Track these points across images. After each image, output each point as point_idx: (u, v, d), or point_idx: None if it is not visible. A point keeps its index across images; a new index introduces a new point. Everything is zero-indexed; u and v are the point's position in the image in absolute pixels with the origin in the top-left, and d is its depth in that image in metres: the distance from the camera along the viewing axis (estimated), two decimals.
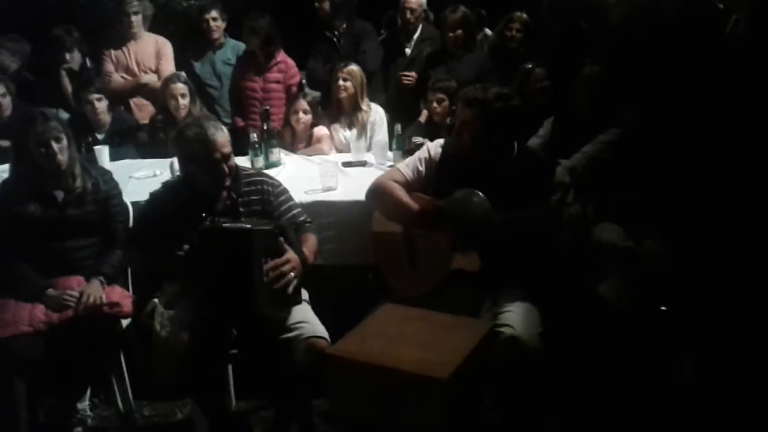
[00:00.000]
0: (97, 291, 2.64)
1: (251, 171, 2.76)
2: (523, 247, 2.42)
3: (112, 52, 4.59)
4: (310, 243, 2.58)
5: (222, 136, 2.49)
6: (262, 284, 2.34)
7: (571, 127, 3.36)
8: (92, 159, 3.48)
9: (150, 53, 4.59)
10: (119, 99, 4.38)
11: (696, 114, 3.05)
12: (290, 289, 2.38)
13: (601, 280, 2.90)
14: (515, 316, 2.32)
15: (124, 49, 4.58)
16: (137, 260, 2.71)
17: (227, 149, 2.51)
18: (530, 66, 3.79)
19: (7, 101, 4.00)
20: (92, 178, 2.79)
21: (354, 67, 3.95)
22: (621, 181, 3.02)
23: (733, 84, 3.08)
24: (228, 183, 2.54)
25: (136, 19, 4.55)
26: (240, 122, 4.50)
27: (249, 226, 2.37)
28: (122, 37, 4.60)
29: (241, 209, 2.57)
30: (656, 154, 3.01)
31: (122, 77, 4.57)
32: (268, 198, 2.63)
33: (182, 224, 2.44)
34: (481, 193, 2.44)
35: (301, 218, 2.68)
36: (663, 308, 2.80)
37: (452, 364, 1.87)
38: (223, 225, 2.39)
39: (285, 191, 2.70)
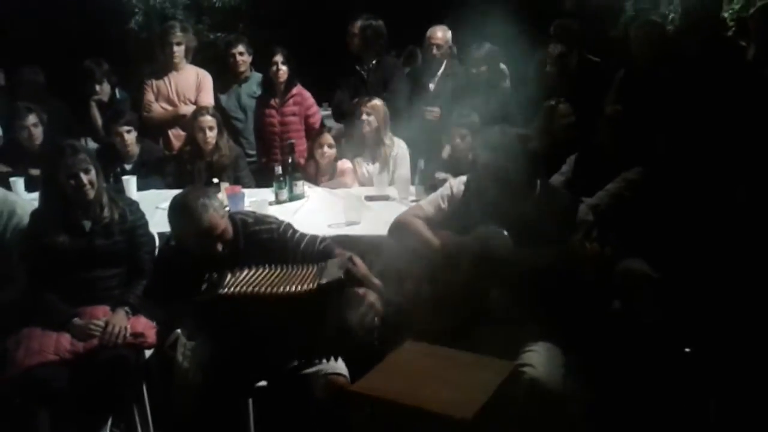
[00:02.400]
0: (122, 321, 2.67)
1: (249, 221, 2.57)
2: (545, 284, 2.41)
3: (154, 82, 4.65)
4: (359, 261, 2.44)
5: (213, 217, 2.34)
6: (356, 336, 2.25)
7: (594, 164, 3.37)
8: (120, 189, 3.55)
9: (191, 85, 4.65)
10: (158, 129, 4.45)
11: (720, 151, 3.06)
12: (375, 334, 2.29)
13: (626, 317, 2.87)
14: (538, 356, 2.31)
15: (166, 79, 4.64)
16: (156, 312, 2.72)
17: (219, 229, 2.37)
18: (554, 102, 3.79)
19: (38, 131, 4.10)
20: (119, 209, 2.84)
21: (377, 102, 4.00)
22: (645, 219, 3.02)
23: (757, 118, 3.10)
24: (226, 250, 2.44)
25: (179, 50, 4.61)
26: (264, 158, 4.58)
27: (313, 286, 2.17)
28: (164, 67, 4.67)
29: (243, 260, 2.43)
30: (681, 192, 3.00)
31: (162, 107, 4.62)
32: (274, 246, 2.52)
33: (190, 280, 2.37)
34: (503, 230, 2.45)
35: (316, 244, 2.55)
36: (687, 350, 2.77)
37: (476, 404, 1.85)
38: (219, 292, 2.20)
39: (288, 228, 2.58)
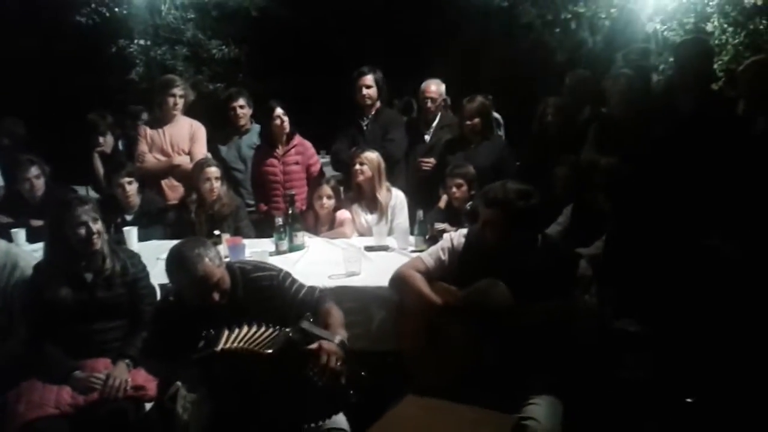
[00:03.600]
0: (123, 374, 2.68)
1: (248, 267, 2.60)
2: (545, 338, 2.43)
3: (148, 132, 4.68)
4: (335, 315, 2.48)
5: (208, 267, 2.37)
6: (315, 394, 2.26)
7: (589, 215, 3.42)
8: (121, 240, 3.57)
9: (184, 136, 4.69)
10: (151, 179, 4.49)
11: (704, 202, 3.11)
12: (342, 380, 2.28)
13: (625, 370, 2.88)
14: (540, 410, 2.32)
15: (160, 130, 4.68)
16: (155, 369, 2.72)
17: (215, 278, 2.39)
18: (554, 164, 3.84)
19: (40, 182, 4.15)
20: (121, 260, 2.87)
21: (370, 154, 4.06)
22: (639, 270, 3.05)
23: (745, 169, 3.16)
24: (224, 300, 2.46)
25: (180, 102, 4.66)
26: (263, 207, 4.60)
27: (270, 351, 2.22)
28: (159, 118, 4.72)
29: (242, 311, 2.44)
30: (663, 245, 3.04)
31: (156, 158, 4.65)
32: (272, 294, 2.54)
33: (188, 336, 2.38)
34: (503, 284, 2.47)
35: (311, 295, 2.58)
36: (688, 400, 2.78)
37: None
38: (216, 350, 2.23)
39: (286, 277, 2.60)
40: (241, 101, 4.81)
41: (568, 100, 4.42)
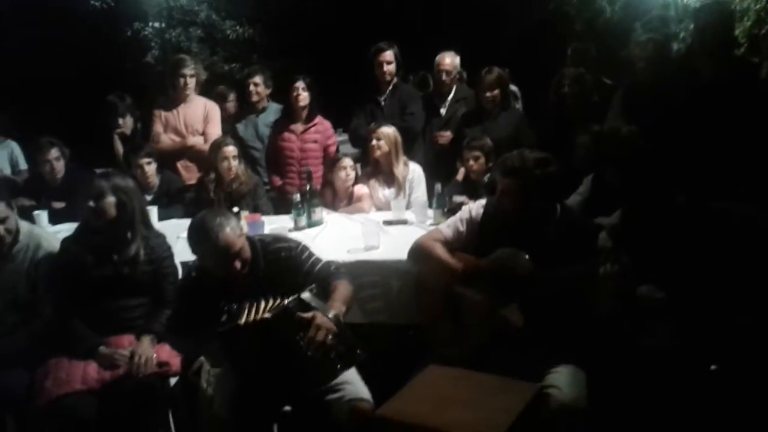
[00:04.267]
0: (148, 351, 2.71)
1: (268, 239, 2.65)
2: (566, 307, 2.42)
3: (162, 113, 4.71)
4: (339, 291, 2.49)
5: (229, 236, 2.40)
6: (305, 358, 2.30)
7: (610, 185, 3.38)
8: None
9: (198, 116, 4.70)
10: (166, 160, 4.50)
11: (729, 169, 3.06)
12: (332, 354, 2.33)
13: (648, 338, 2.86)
14: (562, 378, 2.32)
15: (174, 111, 4.70)
16: (179, 345, 2.76)
17: (236, 247, 2.43)
18: (575, 132, 3.81)
19: (60, 165, 4.19)
20: (146, 239, 2.89)
21: (387, 129, 4.05)
22: (659, 240, 3.01)
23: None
24: (246, 269, 2.50)
25: (191, 82, 4.67)
26: (277, 181, 4.61)
27: (268, 315, 2.28)
28: (173, 99, 4.73)
29: (265, 284, 2.50)
30: (696, 212, 3.01)
31: (171, 138, 4.68)
32: (289, 264, 2.57)
33: (211, 311, 2.44)
34: (522, 252, 2.46)
35: (327, 270, 2.59)
36: (713, 367, 2.75)
37: (502, 427, 1.87)
38: (239, 323, 2.30)
39: (304, 249, 2.62)
40: (257, 79, 4.79)
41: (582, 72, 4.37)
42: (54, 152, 4.17)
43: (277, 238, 2.67)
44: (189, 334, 2.57)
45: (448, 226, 2.74)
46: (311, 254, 2.64)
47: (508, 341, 2.47)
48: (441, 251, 2.64)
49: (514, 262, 2.45)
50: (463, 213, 2.75)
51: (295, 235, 3.45)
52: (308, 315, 2.30)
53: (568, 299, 2.40)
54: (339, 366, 2.37)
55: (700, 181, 3.11)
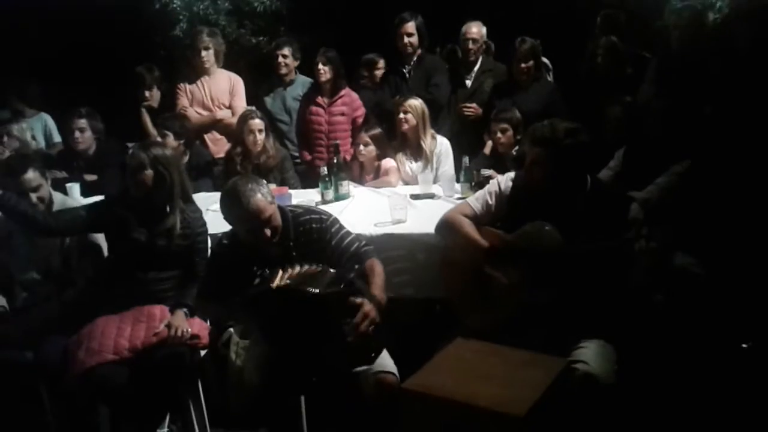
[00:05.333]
0: (183, 324, 2.74)
1: (299, 210, 2.66)
2: (595, 282, 2.39)
3: (187, 86, 4.73)
4: (378, 274, 2.50)
5: (261, 202, 2.42)
6: (342, 345, 2.30)
7: (643, 158, 3.32)
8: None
9: (224, 89, 4.73)
10: (194, 133, 4.52)
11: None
12: (372, 346, 2.35)
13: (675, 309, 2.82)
14: (590, 353, 2.30)
15: (199, 84, 4.73)
16: (208, 312, 2.80)
17: (267, 213, 2.44)
18: (607, 103, 3.74)
19: (86, 136, 4.20)
20: (183, 213, 2.91)
21: (414, 101, 4.02)
22: (695, 213, 2.96)
23: None
24: (276, 237, 2.51)
25: (207, 54, 4.67)
26: (307, 156, 4.62)
27: (317, 290, 2.25)
28: (196, 72, 4.75)
29: (293, 253, 2.53)
30: (730, 185, 2.94)
31: (198, 112, 4.70)
32: (320, 236, 2.58)
33: (242, 277, 2.47)
34: (551, 226, 2.43)
35: (358, 245, 2.61)
36: (744, 345, 2.72)
37: (529, 401, 1.86)
38: (272, 286, 2.29)
39: (335, 222, 2.64)
40: (286, 50, 4.76)
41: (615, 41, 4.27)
42: (81, 122, 4.17)
43: (309, 210, 2.68)
44: (219, 299, 2.59)
45: (477, 200, 2.71)
46: (341, 227, 2.64)
47: (535, 315, 2.45)
48: (469, 228, 2.61)
49: (542, 237, 2.41)
50: (492, 186, 2.71)
51: (322, 209, 3.48)
52: (359, 301, 2.30)
53: (598, 274, 2.37)
54: (373, 355, 2.39)
55: (735, 153, 3.04)
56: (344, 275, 2.36)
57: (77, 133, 4.19)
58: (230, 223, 2.56)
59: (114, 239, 2.89)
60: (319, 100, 4.58)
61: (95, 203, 3.02)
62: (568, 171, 2.46)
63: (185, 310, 2.79)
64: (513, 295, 2.49)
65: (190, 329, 2.74)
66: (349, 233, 2.65)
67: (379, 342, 2.39)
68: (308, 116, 4.61)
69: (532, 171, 2.52)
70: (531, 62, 4.26)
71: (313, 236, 2.58)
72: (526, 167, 2.56)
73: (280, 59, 4.78)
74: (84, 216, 2.89)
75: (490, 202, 2.67)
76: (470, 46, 4.63)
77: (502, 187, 2.67)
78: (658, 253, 2.29)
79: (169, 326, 2.72)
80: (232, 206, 2.47)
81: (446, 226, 2.70)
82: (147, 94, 4.72)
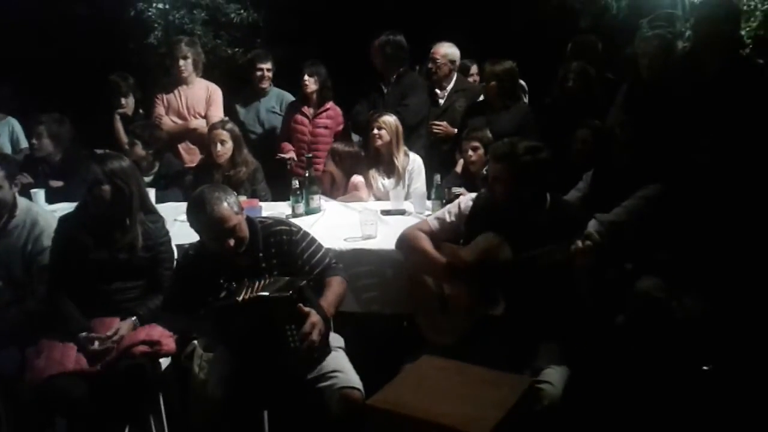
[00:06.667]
0: (124, 331, 2.71)
1: (269, 221, 2.66)
2: (549, 293, 2.43)
3: (164, 95, 4.71)
4: (333, 289, 2.53)
5: (225, 210, 2.41)
6: (288, 348, 2.35)
7: (610, 181, 3.37)
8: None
9: (201, 98, 4.71)
10: (168, 142, 4.46)
11: (736, 170, 3.05)
12: (315, 354, 2.41)
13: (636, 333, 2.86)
14: (556, 374, 2.33)
15: (176, 92, 4.70)
16: (173, 324, 2.76)
17: (231, 223, 2.43)
18: (576, 126, 3.79)
19: (44, 142, 4.14)
20: (145, 224, 2.87)
21: (388, 118, 4.03)
22: (661, 237, 3.01)
23: None
24: (243, 248, 2.51)
25: (185, 64, 4.66)
26: (287, 146, 4.62)
27: (266, 293, 2.31)
28: (174, 81, 4.73)
29: (262, 265, 2.54)
30: (697, 210, 3.00)
31: (172, 121, 4.67)
32: (289, 249, 2.58)
33: (207, 289, 2.48)
34: (500, 237, 2.49)
35: (326, 261, 2.63)
36: (705, 368, 2.75)
37: (492, 420, 1.87)
38: (237, 299, 2.34)
39: (305, 237, 2.64)
40: (269, 64, 4.82)
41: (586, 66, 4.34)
42: (38, 128, 4.13)
43: (279, 222, 2.69)
44: (185, 310, 2.56)
45: (436, 218, 2.79)
46: (313, 241, 2.65)
47: (497, 328, 2.48)
48: (426, 243, 2.68)
49: (492, 249, 2.47)
50: (453, 205, 2.79)
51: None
52: (306, 310, 2.33)
53: (549, 283, 2.41)
54: (316, 356, 2.45)
55: (699, 177, 3.10)
56: (295, 282, 2.39)
57: (34, 140, 4.15)
58: (195, 230, 2.55)
59: (73, 262, 2.81)
60: (305, 110, 4.63)
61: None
62: (527, 187, 2.51)
63: (134, 318, 2.76)
64: (470, 308, 2.53)
65: (148, 336, 2.70)
66: (320, 248, 2.65)
67: (322, 350, 2.45)
68: (292, 124, 4.64)
69: (493, 187, 2.58)
70: (504, 83, 4.28)
71: (283, 248, 2.58)
72: (489, 184, 2.63)
73: (265, 73, 4.82)
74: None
75: (448, 220, 2.73)
76: (436, 65, 4.68)
77: (462, 206, 2.73)
78: (599, 257, 2.32)
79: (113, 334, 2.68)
80: (197, 213, 2.46)
81: (405, 242, 2.77)
82: (123, 101, 4.68)
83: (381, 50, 4.57)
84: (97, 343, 2.66)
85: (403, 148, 4.10)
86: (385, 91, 4.64)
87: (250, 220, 2.58)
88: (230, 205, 2.45)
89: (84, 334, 2.68)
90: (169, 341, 2.77)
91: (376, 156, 4.10)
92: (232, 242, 2.45)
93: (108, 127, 4.65)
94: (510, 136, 3.80)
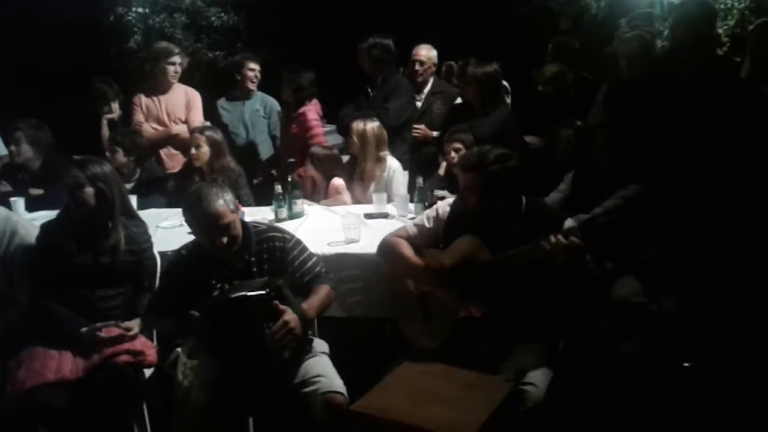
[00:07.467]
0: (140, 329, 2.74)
1: (263, 227, 2.70)
2: (529, 294, 2.44)
3: (143, 100, 4.64)
4: (319, 294, 2.55)
5: (221, 207, 2.45)
6: (265, 347, 2.37)
7: (591, 181, 3.40)
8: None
9: (180, 104, 4.67)
10: (150, 149, 4.43)
11: (715, 169, 3.08)
12: (286, 354, 2.41)
13: (620, 338, 2.89)
14: (539, 376, 2.34)
15: (155, 98, 4.65)
16: (157, 326, 2.76)
17: (226, 219, 2.46)
18: (559, 126, 3.82)
19: (23, 149, 4.07)
20: (128, 230, 2.86)
21: (357, 123, 4.00)
22: (641, 237, 3.04)
23: (754, 136, 3.12)
24: (235, 248, 2.53)
25: (174, 69, 4.63)
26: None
27: (245, 292, 2.35)
28: (154, 87, 4.68)
29: (254, 269, 2.56)
30: (678, 209, 3.03)
31: (153, 127, 4.63)
32: (280, 255, 2.60)
33: (198, 290, 2.49)
34: (476, 239, 2.50)
35: (317, 269, 2.65)
36: (686, 364, 2.78)
37: (476, 423, 1.88)
38: (220, 297, 2.40)
39: (297, 244, 2.66)
40: (258, 66, 4.84)
41: (561, 67, 4.37)
42: (15, 134, 4.05)
43: (273, 228, 2.72)
44: (172, 312, 2.54)
45: (415, 224, 2.79)
46: (305, 248, 2.68)
47: (478, 330, 2.49)
48: (405, 249, 2.69)
49: (469, 250, 2.48)
50: (431, 211, 2.79)
51: None
52: (282, 308, 2.36)
53: (529, 284, 2.42)
54: (287, 355, 2.45)
55: (679, 176, 3.14)
56: (272, 282, 2.42)
57: (12, 146, 4.09)
58: (190, 226, 2.57)
59: (57, 269, 2.79)
60: (289, 115, 4.64)
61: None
62: (499, 194, 2.51)
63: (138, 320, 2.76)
64: (452, 311, 2.53)
65: (135, 331, 2.72)
66: (311, 256, 2.68)
67: (298, 350, 2.48)
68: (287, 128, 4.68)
69: (465, 196, 2.59)
70: (486, 87, 4.23)
71: (275, 254, 2.60)
72: (460, 193, 2.63)
73: (255, 74, 4.83)
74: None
75: (426, 225, 2.75)
76: (416, 67, 4.70)
77: (440, 211, 2.74)
78: (571, 248, 2.32)
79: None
80: (193, 207, 2.48)
81: (385, 248, 2.78)
82: (112, 106, 4.65)
83: (368, 53, 4.57)
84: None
85: (378, 153, 4.02)
86: (371, 94, 4.64)
87: (244, 224, 2.61)
88: (226, 202, 2.48)
89: (85, 329, 2.67)
90: (151, 352, 2.75)
91: (352, 161, 4.11)
92: (225, 240, 2.48)
93: (89, 133, 4.61)
94: (491, 140, 3.87)
